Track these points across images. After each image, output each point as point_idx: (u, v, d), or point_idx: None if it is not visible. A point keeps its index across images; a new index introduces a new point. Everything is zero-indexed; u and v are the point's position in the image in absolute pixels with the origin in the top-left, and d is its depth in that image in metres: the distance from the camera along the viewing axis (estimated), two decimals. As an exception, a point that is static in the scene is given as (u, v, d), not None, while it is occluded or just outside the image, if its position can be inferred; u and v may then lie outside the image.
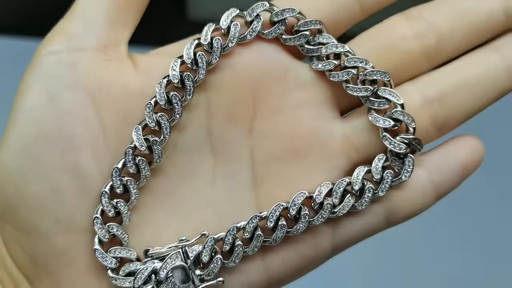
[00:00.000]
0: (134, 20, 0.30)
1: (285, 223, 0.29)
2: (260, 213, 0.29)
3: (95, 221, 0.29)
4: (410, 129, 0.29)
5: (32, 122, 0.28)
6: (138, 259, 0.29)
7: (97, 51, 0.29)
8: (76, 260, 0.29)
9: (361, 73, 0.29)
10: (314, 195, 0.29)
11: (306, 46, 0.30)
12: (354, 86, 0.29)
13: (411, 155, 0.29)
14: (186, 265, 0.29)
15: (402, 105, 0.29)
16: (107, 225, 0.29)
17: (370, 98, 0.29)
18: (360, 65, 0.29)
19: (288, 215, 0.29)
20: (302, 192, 0.29)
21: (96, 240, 0.29)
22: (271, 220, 0.29)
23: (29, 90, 0.28)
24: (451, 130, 0.30)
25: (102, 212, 0.29)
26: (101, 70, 0.29)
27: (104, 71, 0.29)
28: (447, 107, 0.29)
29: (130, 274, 0.29)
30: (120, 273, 0.29)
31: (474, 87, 0.29)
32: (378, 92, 0.29)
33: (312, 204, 0.29)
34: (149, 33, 0.31)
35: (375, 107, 0.29)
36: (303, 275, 0.30)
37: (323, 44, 0.30)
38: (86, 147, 0.28)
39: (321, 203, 0.29)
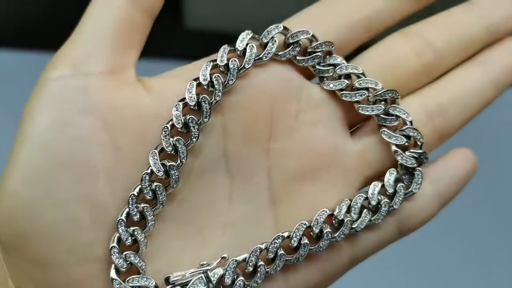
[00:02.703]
0: (140, 43, 0.29)
1: (308, 242, 0.29)
2: (283, 232, 0.29)
3: (112, 250, 0.28)
4: (418, 143, 0.30)
5: (44, 148, 0.26)
6: (156, 287, 0.28)
7: (105, 75, 0.28)
8: None
9: (371, 94, 0.30)
10: (335, 213, 0.30)
11: (318, 67, 0.30)
12: (366, 105, 0.30)
13: (419, 169, 0.31)
14: None
15: (411, 122, 0.30)
16: (124, 253, 0.28)
17: (381, 116, 0.30)
18: (372, 86, 0.30)
19: (311, 233, 0.29)
20: (324, 210, 0.29)
21: (113, 269, 0.28)
22: (295, 239, 0.29)
23: (38, 115, 0.27)
24: (449, 138, 0.32)
25: (119, 240, 0.28)
26: (112, 93, 0.28)
27: (115, 94, 0.28)
28: (446, 119, 0.31)
29: (150, 304, 0.28)
30: None
31: (468, 98, 0.32)
32: (389, 110, 0.30)
33: (333, 221, 0.30)
34: (146, 43, 0.30)
35: (387, 124, 0.30)
36: None
37: (333, 65, 0.30)
38: (101, 173, 0.27)
39: (342, 220, 0.29)
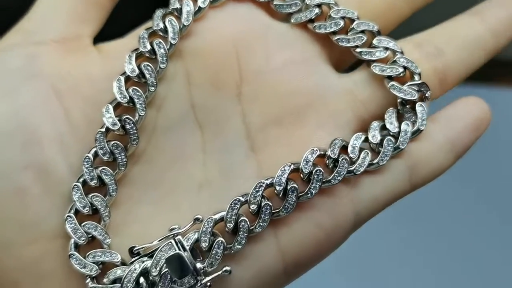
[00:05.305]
0: (99, 18, 0.28)
1: (297, 186, 0.24)
2: (266, 179, 0.24)
3: (67, 220, 0.24)
4: (415, 76, 0.26)
5: None
6: (123, 263, 0.24)
7: (56, 43, 0.26)
8: (50, 274, 0.24)
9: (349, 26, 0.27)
10: (328, 151, 0.25)
11: (279, 2, 0.27)
12: (346, 36, 0.27)
13: (421, 103, 0.26)
14: (182, 253, 0.23)
15: (402, 52, 0.27)
16: (83, 224, 0.24)
17: (366, 50, 0.27)
18: (348, 15, 0.27)
19: (301, 175, 0.25)
20: (313, 149, 0.25)
21: (72, 243, 0.24)
22: (280, 183, 0.24)
23: None
24: (451, 86, 0.28)
25: (76, 210, 0.24)
26: (62, 60, 0.26)
27: (65, 61, 0.26)
28: (445, 60, 0.28)
29: (116, 281, 0.24)
30: (105, 280, 0.24)
31: (466, 44, 0.28)
32: (374, 42, 0.27)
33: (327, 161, 0.25)
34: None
35: (373, 58, 0.27)
36: (323, 257, 0.25)
37: None
38: (51, 139, 0.24)
39: (336, 160, 0.25)
